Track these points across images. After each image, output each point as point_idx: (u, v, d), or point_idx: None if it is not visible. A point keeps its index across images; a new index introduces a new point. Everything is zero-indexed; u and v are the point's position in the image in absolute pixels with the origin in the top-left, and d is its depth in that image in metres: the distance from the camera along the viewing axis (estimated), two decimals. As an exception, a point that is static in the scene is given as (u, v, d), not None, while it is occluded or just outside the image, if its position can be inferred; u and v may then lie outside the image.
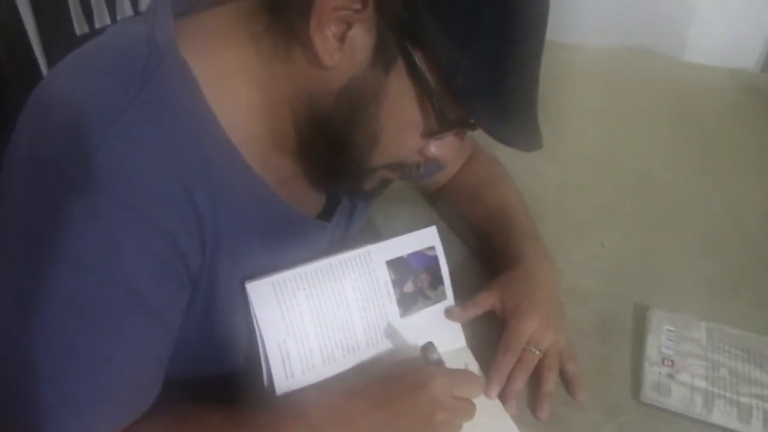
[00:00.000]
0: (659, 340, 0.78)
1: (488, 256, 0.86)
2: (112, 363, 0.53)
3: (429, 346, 0.66)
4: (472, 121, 0.58)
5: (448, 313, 0.76)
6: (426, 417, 0.62)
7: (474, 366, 0.74)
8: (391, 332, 0.72)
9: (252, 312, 0.65)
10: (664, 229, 0.97)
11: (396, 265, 0.72)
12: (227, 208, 0.60)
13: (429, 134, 0.58)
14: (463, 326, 0.77)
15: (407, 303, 0.73)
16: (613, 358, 0.77)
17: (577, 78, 1.40)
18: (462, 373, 0.68)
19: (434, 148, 0.62)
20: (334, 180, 0.66)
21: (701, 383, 0.73)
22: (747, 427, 0.69)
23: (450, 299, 0.76)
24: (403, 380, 0.64)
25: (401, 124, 0.58)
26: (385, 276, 0.72)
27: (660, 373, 0.74)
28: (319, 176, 0.67)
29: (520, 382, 0.71)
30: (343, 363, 0.69)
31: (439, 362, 0.66)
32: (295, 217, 0.68)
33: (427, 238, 0.75)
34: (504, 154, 1.00)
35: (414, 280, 0.74)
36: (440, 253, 0.75)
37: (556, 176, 1.08)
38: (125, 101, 0.54)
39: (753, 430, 0.69)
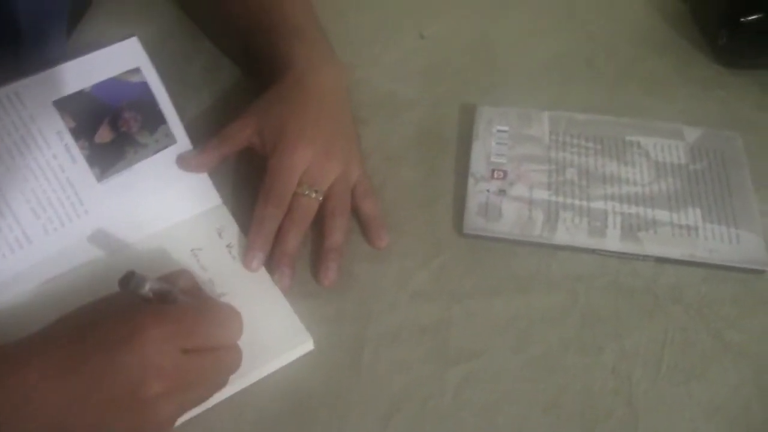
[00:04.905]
0: (488, 147, 0.58)
1: (252, 69, 0.62)
2: None
3: (131, 278, 0.40)
4: None
5: (183, 161, 0.52)
6: (132, 392, 0.38)
7: (232, 231, 0.52)
8: (86, 207, 0.48)
9: None
10: (495, 9, 0.73)
11: (73, 106, 0.47)
12: None
13: None
14: (216, 177, 0.55)
15: (106, 159, 0.49)
16: (431, 183, 0.57)
17: None
18: (196, 310, 0.42)
19: None
20: None
21: (542, 194, 0.54)
22: (601, 240, 0.52)
23: (183, 142, 0.52)
24: (99, 330, 0.39)
25: None
26: (56, 125, 0.46)
27: (488, 191, 0.55)
28: None
29: (293, 241, 0.50)
30: (12, 264, 0.46)
31: (162, 297, 0.41)
32: None
33: (126, 56, 0.49)
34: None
35: (112, 124, 0.49)
36: (152, 75, 0.50)
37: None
38: None
39: (609, 242, 0.52)
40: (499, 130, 0.58)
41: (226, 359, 0.42)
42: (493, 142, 0.58)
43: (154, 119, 0.51)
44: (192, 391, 0.40)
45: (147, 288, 0.40)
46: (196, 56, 0.66)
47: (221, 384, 0.42)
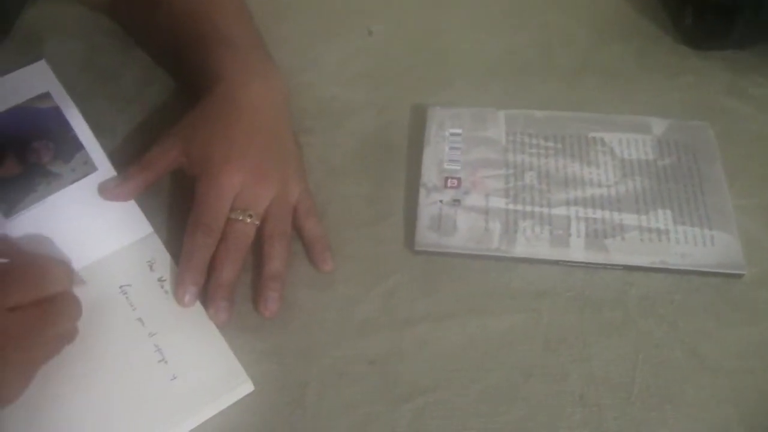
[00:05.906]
0: (440, 153, 0.53)
1: (186, 81, 0.57)
2: None
3: None
4: None
5: (104, 190, 0.48)
6: None
7: (165, 263, 0.47)
8: (-6, 248, 0.45)
9: None
10: (444, 5, 0.69)
11: (-28, 139, 0.43)
12: None
13: None
14: (148, 202, 0.50)
15: (14, 194, 0.44)
16: (380, 196, 0.52)
17: None
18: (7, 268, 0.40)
19: None
20: None
21: (499, 202, 0.50)
22: (564, 250, 0.48)
23: (104, 168, 0.48)
24: None
25: None
26: (-48, 162, 0.43)
27: (441, 201, 0.51)
28: None
29: (228, 271, 0.46)
30: None
31: None
32: None
33: (33, 81, 0.45)
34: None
35: (20, 156, 0.45)
36: (64, 99, 0.46)
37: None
38: None
39: (573, 252, 0.47)
40: (452, 134, 0.54)
41: (54, 309, 0.40)
42: (446, 147, 0.53)
43: (69, 147, 0.46)
44: (22, 350, 0.38)
45: None
46: (126, 69, 0.61)
47: (61, 334, 0.41)
